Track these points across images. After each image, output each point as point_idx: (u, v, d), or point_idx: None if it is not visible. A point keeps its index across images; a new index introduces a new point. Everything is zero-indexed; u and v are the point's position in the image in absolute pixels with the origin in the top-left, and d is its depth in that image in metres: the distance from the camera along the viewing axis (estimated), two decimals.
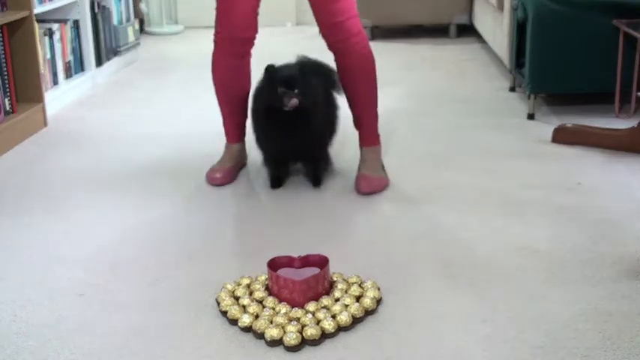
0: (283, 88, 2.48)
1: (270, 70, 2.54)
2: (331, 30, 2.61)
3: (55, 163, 3.08)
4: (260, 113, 2.64)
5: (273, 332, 1.78)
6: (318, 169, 2.76)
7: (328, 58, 2.73)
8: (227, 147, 2.89)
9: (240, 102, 2.82)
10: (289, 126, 2.55)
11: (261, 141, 2.72)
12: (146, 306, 1.97)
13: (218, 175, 2.79)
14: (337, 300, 1.93)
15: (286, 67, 2.60)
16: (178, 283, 2.08)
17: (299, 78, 2.51)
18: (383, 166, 2.80)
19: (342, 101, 2.80)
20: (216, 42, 2.77)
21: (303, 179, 2.82)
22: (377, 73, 2.71)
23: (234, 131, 2.88)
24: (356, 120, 2.80)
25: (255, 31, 2.70)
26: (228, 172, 2.82)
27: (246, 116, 2.86)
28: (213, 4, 2.74)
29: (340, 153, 3.07)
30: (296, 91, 2.48)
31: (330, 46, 2.66)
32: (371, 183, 2.68)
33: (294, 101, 2.47)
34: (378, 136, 2.81)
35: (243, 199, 2.67)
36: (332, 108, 2.76)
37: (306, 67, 2.64)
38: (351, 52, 2.64)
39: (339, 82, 2.74)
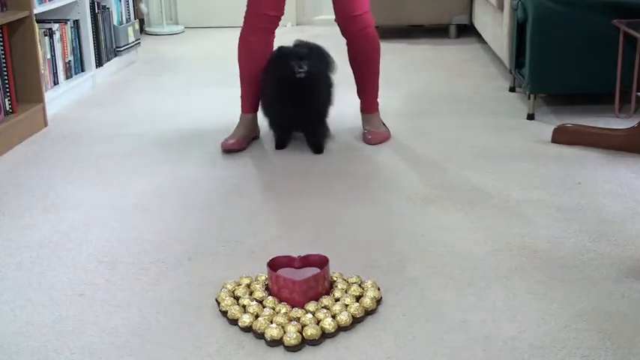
0: (295, 61, 2.95)
1: (283, 49, 3.04)
2: (349, 22, 3.13)
3: (55, 163, 3.08)
4: (272, 85, 3.05)
5: (273, 332, 1.78)
6: (318, 137, 3.15)
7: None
8: (241, 117, 3.25)
9: (259, 74, 3.15)
10: (296, 96, 3.00)
11: (269, 111, 3.16)
12: (146, 306, 1.97)
13: (231, 141, 3.15)
14: (337, 300, 1.93)
15: (294, 47, 3.07)
16: (178, 283, 2.08)
17: (307, 54, 2.99)
18: (384, 123, 3.31)
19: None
20: (246, 18, 3.14)
21: (302, 179, 2.82)
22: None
23: (249, 102, 3.23)
24: (360, 91, 3.31)
25: (282, 12, 3.14)
26: (241, 139, 3.18)
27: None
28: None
29: (342, 154, 3.07)
30: (305, 62, 2.95)
31: (345, 33, 3.18)
32: (376, 136, 3.23)
33: (304, 68, 2.94)
34: (377, 104, 3.32)
35: (241, 199, 2.67)
36: (329, 84, 3.19)
37: (308, 49, 3.08)
38: (363, 40, 3.17)
39: (333, 63, 3.18)
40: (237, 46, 3.15)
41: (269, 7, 3.08)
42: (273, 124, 3.17)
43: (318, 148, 3.12)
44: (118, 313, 1.94)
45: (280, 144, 3.17)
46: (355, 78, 3.27)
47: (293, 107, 3.03)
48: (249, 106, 3.23)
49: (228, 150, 3.12)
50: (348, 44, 3.20)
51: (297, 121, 3.12)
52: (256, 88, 3.17)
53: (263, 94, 3.15)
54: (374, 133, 3.22)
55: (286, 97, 3.01)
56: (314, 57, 3.02)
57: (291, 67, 2.93)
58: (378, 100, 3.32)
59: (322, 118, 3.15)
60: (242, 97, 3.23)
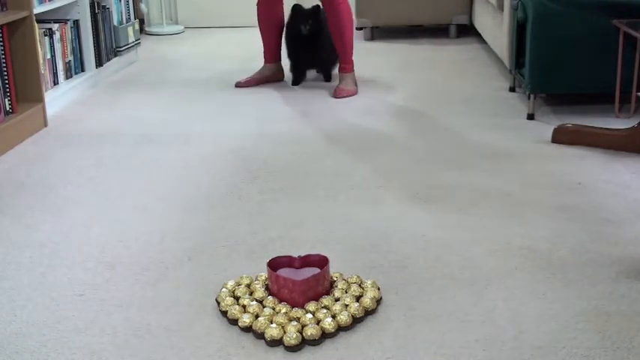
0: (303, 18, 4.01)
1: (296, 8, 4.08)
2: None
3: (55, 163, 3.08)
4: (289, 37, 4.15)
5: (273, 332, 1.78)
6: (328, 70, 4.27)
7: None
8: (263, 66, 4.26)
9: (274, 31, 4.18)
10: (306, 45, 4.10)
11: (289, 55, 4.19)
12: (146, 306, 1.97)
13: (242, 80, 4.19)
14: (337, 300, 1.93)
15: (305, 9, 4.07)
16: (178, 283, 2.09)
17: (312, 14, 4.02)
18: (355, 82, 4.07)
19: None
20: None
21: (302, 179, 2.83)
22: (354, 37, 4.04)
23: (269, 53, 4.23)
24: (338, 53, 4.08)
25: None
26: (252, 79, 4.20)
27: (279, 43, 4.21)
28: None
29: (342, 155, 3.07)
30: (310, 21, 4.00)
31: (323, 4, 3.95)
32: (341, 92, 3.97)
33: (308, 28, 4.01)
34: (350, 67, 4.06)
35: (241, 199, 2.67)
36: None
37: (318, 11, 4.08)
38: (336, 10, 3.93)
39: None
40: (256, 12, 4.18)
41: None
42: (292, 65, 4.19)
43: (327, 76, 4.26)
44: (118, 313, 1.94)
45: (296, 82, 4.20)
46: (334, 43, 4.07)
47: (304, 53, 4.13)
48: (268, 57, 4.23)
49: (237, 85, 4.17)
50: (326, 14, 3.99)
51: (309, 62, 4.21)
52: (274, 42, 4.19)
53: (286, 44, 4.18)
54: (340, 89, 3.98)
55: (299, 46, 4.11)
56: (319, 15, 4.02)
57: (299, 27, 4.01)
58: (353, 60, 4.08)
59: (329, 59, 4.18)
60: (264, 49, 4.23)
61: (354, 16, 4.11)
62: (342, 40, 3.99)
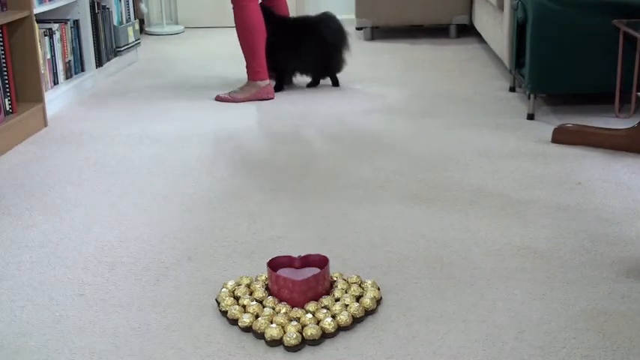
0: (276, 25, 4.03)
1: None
2: None
3: (55, 163, 3.08)
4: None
5: (273, 332, 1.78)
6: (334, 77, 4.22)
7: None
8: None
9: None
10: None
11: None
12: (146, 306, 1.97)
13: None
14: (337, 300, 1.93)
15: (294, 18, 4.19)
16: (178, 283, 2.09)
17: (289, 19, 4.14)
18: (252, 92, 3.93)
19: None
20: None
21: (302, 179, 2.83)
22: (260, 41, 3.90)
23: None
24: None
25: None
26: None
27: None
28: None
29: (342, 155, 3.07)
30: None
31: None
32: (222, 97, 3.94)
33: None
34: (252, 75, 3.93)
35: (241, 199, 2.67)
36: (339, 49, 4.10)
37: (326, 21, 4.09)
38: (235, 16, 3.87)
39: (347, 37, 4.11)
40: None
41: None
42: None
43: (336, 82, 4.21)
44: (118, 313, 1.94)
45: (278, 87, 4.16)
46: None
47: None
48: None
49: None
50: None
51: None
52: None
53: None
54: (227, 95, 3.94)
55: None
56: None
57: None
58: (258, 71, 3.93)
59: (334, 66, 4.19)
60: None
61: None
62: (243, 46, 3.92)
